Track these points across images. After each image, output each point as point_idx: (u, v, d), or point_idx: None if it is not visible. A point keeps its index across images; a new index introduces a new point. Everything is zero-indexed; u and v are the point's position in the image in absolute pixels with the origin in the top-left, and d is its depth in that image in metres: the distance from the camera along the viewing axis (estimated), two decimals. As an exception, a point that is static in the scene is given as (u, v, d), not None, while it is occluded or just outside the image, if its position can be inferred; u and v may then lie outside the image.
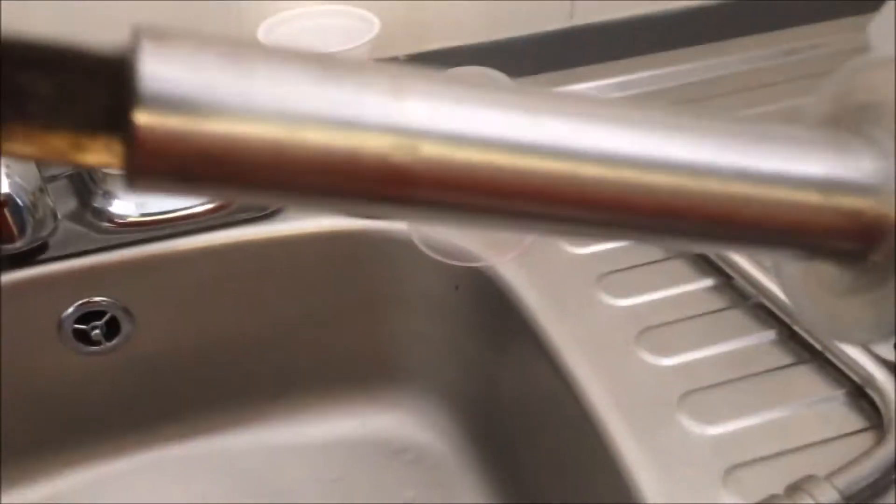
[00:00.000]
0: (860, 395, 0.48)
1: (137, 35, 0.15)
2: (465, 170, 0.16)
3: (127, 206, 0.58)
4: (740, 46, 0.78)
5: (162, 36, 0.15)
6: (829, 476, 0.42)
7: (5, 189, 0.37)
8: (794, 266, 0.21)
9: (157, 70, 0.14)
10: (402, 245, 0.61)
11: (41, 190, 0.38)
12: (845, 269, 0.19)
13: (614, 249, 0.59)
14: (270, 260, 0.63)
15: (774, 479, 0.43)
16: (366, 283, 0.65)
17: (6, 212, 0.37)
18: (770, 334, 0.52)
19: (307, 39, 0.68)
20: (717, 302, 0.55)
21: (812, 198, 0.18)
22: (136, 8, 0.66)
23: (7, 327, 0.60)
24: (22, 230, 0.38)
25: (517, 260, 0.59)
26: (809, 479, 0.42)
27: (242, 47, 0.16)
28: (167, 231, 0.60)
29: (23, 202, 0.37)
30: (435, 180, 0.16)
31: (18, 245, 0.38)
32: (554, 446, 0.57)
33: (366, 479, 0.66)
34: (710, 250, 0.54)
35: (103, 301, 0.62)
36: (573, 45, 0.77)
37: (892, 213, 0.18)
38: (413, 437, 0.67)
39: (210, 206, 0.60)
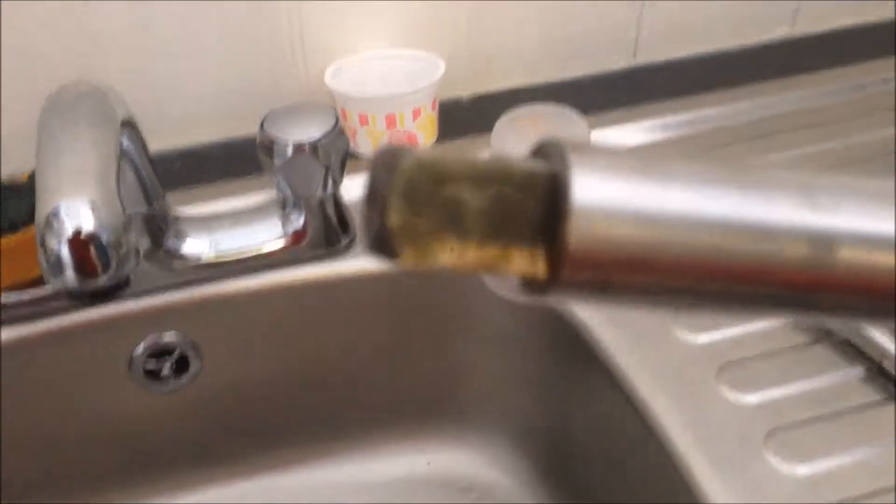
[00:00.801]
0: (957, 433, 0.46)
1: (562, 150, 0.15)
2: (880, 272, 0.16)
3: (200, 245, 0.58)
4: (808, 82, 0.77)
5: (584, 151, 0.16)
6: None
7: (92, 227, 0.37)
8: None
9: (587, 185, 0.15)
10: (471, 282, 0.61)
11: (124, 227, 0.38)
12: None
13: (688, 285, 0.57)
14: (338, 297, 0.63)
15: (871, 521, 0.42)
16: (433, 319, 0.65)
17: (91, 248, 0.37)
18: (857, 371, 0.50)
19: (374, 82, 0.69)
20: (801, 336, 0.53)
21: None
22: (192, 50, 0.68)
23: (79, 365, 0.61)
24: (106, 266, 0.38)
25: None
26: (910, 520, 0.40)
27: (653, 158, 0.16)
28: (236, 269, 0.60)
29: (107, 239, 0.37)
30: (849, 284, 0.16)
31: (102, 281, 0.38)
32: (630, 486, 0.55)
33: (433, 522, 0.65)
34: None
35: (173, 339, 0.62)
36: (637, 82, 0.76)
37: None
38: (480, 476, 0.66)
39: (280, 245, 0.60)
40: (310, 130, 0.57)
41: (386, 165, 0.16)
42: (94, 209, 0.37)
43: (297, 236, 0.61)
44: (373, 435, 0.68)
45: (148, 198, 0.56)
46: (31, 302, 0.58)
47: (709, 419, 0.48)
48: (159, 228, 0.57)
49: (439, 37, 0.71)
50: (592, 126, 0.65)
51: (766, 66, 0.77)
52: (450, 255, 0.16)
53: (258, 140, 0.57)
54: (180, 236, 0.59)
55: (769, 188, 0.16)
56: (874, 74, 0.77)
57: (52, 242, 0.37)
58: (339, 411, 0.67)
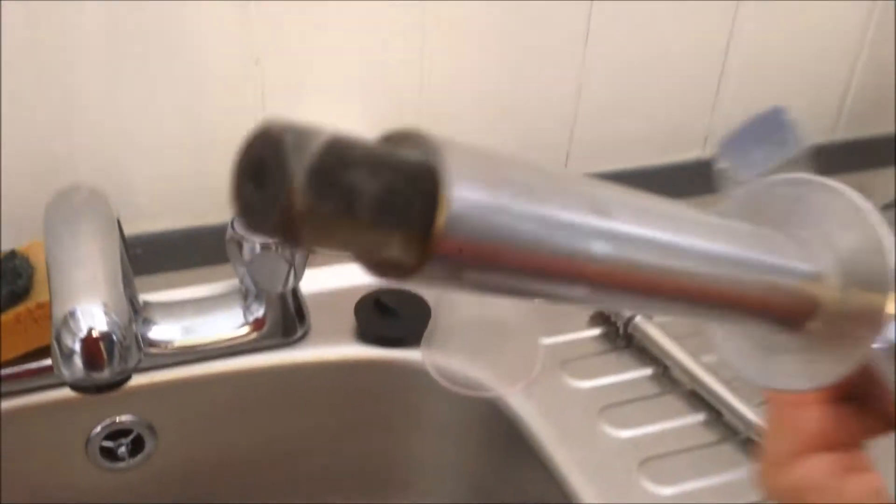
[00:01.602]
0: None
1: (442, 148, 0.17)
2: (641, 268, 0.21)
3: (168, 331, 0.62)
4: (718, 202, 0.85)
5: (458, 152, 0.18)
6: None
7: (105, 327, 0.41)
8: (731, 331, 0.26)
9: (458, 187, 0.17)
10: (416, 374, 0.66)
11: (130, 321, 0.43)
12: (782, 334, 0.24)
13: (613, 384, 0.64)
14: (291, 384, 0.67)
15: None
16: (380, 408, 0.69)
17: (102, 346, 0.41)
18: (759, 467, 0.57)
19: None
20: (710, 436, 0.60)
21: (786, 281, 0.23)
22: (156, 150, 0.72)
23: (38, 444, 0.63)
24: (111, 360, 0.42)
25: (524, 391, 0.64)
26: None
27: (509, 166, 0.19)
28: (201, 355, 0.64)
29: (116, 337, 0.42)
30: (620, 277, 0.21)
31: (107, 374, 0.42)
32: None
33: None
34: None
35: (129, 420, 0.65)
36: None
37: (830, 294, 0.23)
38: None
39: (242, 333, 0.65)
40: (277, 230, 0.62)
41: (293, 144, 0.16)
42: (106, 311, 0.42)
43: (258, 325, 0.65)
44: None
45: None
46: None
47: (632, 509, 0.55)
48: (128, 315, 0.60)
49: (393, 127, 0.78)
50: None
51: (682, 185, 0.86)
52: (341, 239, 0.17)
53: (228, 237, 0.62)
54: (148, 322, 0.62)
55: (576, 198, 0.20)
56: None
57: (67, 339, 0.41)
58: (287, 491, 0.71)
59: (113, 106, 0.69)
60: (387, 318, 0.68)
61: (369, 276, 0.19)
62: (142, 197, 0.74)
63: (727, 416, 0.60)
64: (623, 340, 0.67)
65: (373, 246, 0.17)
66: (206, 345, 0.64)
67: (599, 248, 0.19)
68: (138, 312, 0.62)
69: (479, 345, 0.67)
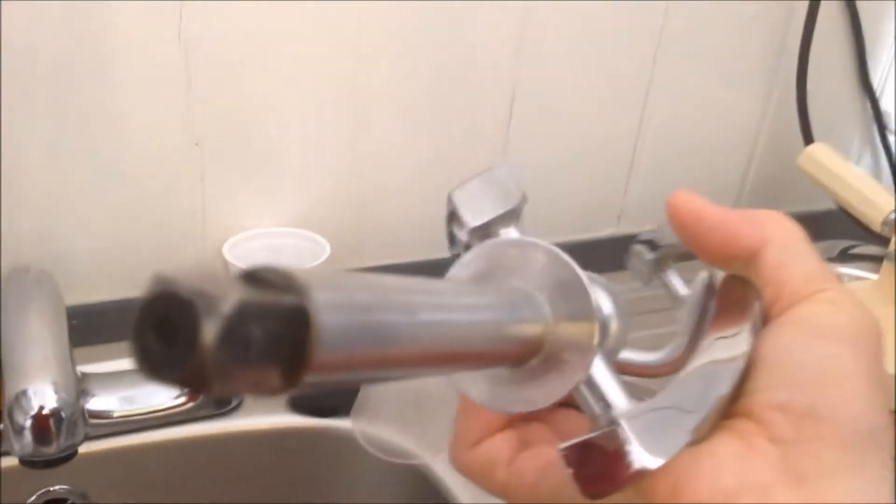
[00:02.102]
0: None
1: (309, 289, 0.20)
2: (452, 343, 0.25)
3: (106, 402, 0.65)
4: (625, 277, 0.92)
5: (322, 288, 0.20)
6: None
7: (54, 405, 0.44)
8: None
9: (325, 321, 0.20)
10: (347, 443, 0.69)
11: (78, 398, 0.46)
12: (510, 369, 0.28)
13: (532, 451, 0.68)
14: (226, 453, 0.70)
15: None
16: (312, 475, 0.72)
17: (51, 423, 0.44)
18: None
19: (266, 256, 0.78)
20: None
21: (518, 331, 0.26)
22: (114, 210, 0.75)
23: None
24: (59, 436, 0.44)
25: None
26: None
27: (372, 289, 0.22)
28: (139, 426, 0.66)
29: (65, 414, 0.44)
30: (442, 353, 0.24)
31: (53, 449, 0.44)
32: None
33: None
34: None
35: (64, 489, 0.67)
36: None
37: (549, 334, 0.27)
38: None
39: (177, 403, 0.67)
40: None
41: (204, 308, 0.17)
42: (56, 390, 0.44)
43: (192, 396, 0.68)
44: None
45: (61, 359, 0.62)
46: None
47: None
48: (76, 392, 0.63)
49: (324, 217, 0.82)
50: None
51: (597, 258, 0.92)
52: (237, 379, 0.18)
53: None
54: (86, 394, 0.64)
55: (397, 306, 0.23)
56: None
57: (18, 417, 0.43)
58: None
59: (53, 180, 0.72)
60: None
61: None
62: (78, 268, 0.76)
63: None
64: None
65: (259, 379, 0.19)
66: (143, 415, 0.66)
67: (411, 341, 0.23)
68: (76, 383, 0.64)
69: (407, 415, 0.70)
